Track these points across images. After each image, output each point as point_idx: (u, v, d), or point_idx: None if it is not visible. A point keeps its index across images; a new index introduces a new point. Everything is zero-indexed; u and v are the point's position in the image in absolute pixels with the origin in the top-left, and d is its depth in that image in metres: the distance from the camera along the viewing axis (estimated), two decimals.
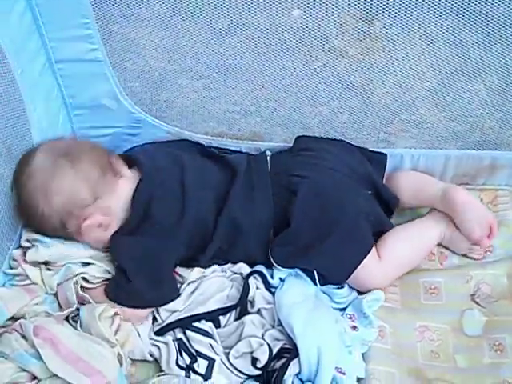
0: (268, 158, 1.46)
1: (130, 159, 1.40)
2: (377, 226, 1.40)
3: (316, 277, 1.35)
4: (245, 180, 1.39)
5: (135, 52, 1.38)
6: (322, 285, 1.36)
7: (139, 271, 1.30)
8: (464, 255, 1.45)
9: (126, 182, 1.35)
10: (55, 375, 1.13)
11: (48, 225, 1.30)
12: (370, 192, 1.42)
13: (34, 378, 1.15)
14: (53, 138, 1.36)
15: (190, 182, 1.36)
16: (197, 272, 1.36)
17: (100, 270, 1.33)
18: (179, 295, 1.34)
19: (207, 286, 1.36)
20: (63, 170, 1.28)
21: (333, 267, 1.35)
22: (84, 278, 1.31)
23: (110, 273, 1.33)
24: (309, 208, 1.35)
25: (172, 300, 1.33)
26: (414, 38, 1.28)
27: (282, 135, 1.51)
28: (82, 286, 1.30)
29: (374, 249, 1.38)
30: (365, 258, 1.35)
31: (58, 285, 1.30)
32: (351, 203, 1.36)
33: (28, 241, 1.33)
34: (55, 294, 1.31)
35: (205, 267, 1.38)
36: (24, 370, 1.14)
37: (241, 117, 1.49)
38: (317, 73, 1.38)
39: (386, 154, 1.50)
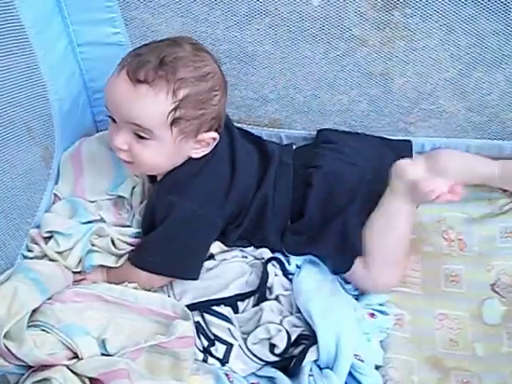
0: (292, 150, 1.50)
1: None
2: None
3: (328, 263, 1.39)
4: (275, 169, 1.42)
5: (154, 38, 1.39)
6: (335, 273, 1.39)
7: (180, 239, 1.32)
8: None
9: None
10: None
11: (197, 110, 1.25)
12: None
13: (72, 358, 1.16)
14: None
15: (239, 157, 1.38)
16: (217, 246, 1.40)
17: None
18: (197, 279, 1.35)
19: (227, 270, 1.38)
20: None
21: (339, 253, 1.36)
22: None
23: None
24: (321, 197, 1.38)
25: (190, 279, 1.35)
26: (433, 27, 1.31)
27: (301, 123, 1.54)
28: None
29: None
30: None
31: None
32: (360, 196, 1.38)
33: (48, 232, 1.35)
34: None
35: (229, 246, 1.41)
36: (64, 345, 1.16)
37: (260, 104, 1.51)
38: (336, 61, 1.40)
39: (410, 141, 1.52)
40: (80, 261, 1.34)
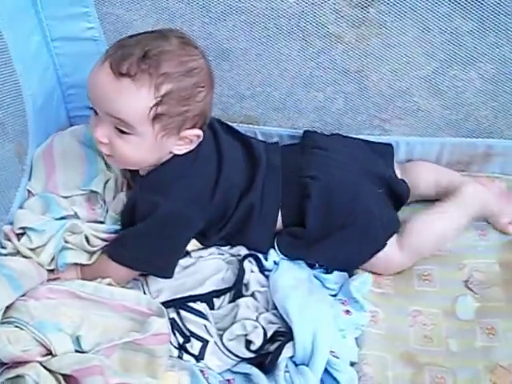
0: (279, 151, 1.50)
1: None
2: (387, 227, 1.43)
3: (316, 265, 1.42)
4: (264, 173, 1.42)
5: (129, 34, 1.39)
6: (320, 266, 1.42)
7: (158, 236, 1.32)
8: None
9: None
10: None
11: (180, 107, 1.24)
12: (381, 190, 1.45)
13: (45, 354, 1.16)
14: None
15: (226, 157, 1.38)
16: (192, 243, 1.40)
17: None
18: (171, 277, 1.36)
19: (203, 267, 1.38)
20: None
21: (335, 264, 1.42)
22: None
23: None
24: (321, 210, 1.39)
25: (164, 277, 1.35)
26: (408, 25, 1.32)
27: (277, 120, 1.55)
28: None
29: (394, 237, 1.42)
30: (371, 258, 1.40)
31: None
32: (363, 204, 1.40)
33: (21, 228, 1.35)
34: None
35: (207, 246, 1.42)
36: (37, 342, 1.15)
37: (236, 101, 1.52)
38: (312, 58, 1.41)
39: (391, 145, 1.54)
40: (53, 258, 1.34)
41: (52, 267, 1.34)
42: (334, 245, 1.39)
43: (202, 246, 1.42)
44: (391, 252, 1.41)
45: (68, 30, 1.39)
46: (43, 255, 1.32)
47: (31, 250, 1.33)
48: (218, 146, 1.38)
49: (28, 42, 1.36)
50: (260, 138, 1.57)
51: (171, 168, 1.32)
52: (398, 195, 1.48)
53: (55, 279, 1.34)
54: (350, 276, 1.43)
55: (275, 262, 1.41)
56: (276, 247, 1.42)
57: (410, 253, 1.42)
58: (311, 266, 1.43)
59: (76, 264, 1.36)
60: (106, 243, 1.37)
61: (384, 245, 1.40)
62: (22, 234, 1.35)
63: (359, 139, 1.54)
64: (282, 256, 1.41)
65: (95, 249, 1.36)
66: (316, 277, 1.42)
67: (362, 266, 1.43)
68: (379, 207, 1.42)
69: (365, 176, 1.45)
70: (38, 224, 1.34)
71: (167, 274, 1.35)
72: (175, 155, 1.31)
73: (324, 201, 1.39)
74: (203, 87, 1.26)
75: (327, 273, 1.43)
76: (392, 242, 1.42)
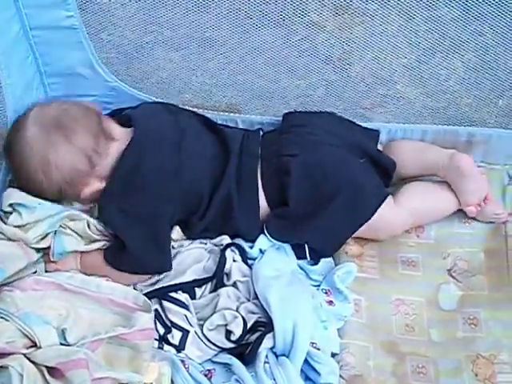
0: (260, 137, 1.51)
1: (127, 118, 1.43)
2: (377, 194, 1.44)
3: (307, 251, 1.42)
4: (237, 160, 1.43)
5: (110, 23, 1.41)
6: (311, 258, 1.43)
7: (138, 238, 1.34)
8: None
9: (119, 143, 1.37)
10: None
11: (47, 193, 1.34)
12: (363, 160, 1.45)
13: (30, 346, 1.16)
14: (40, 101, 1.40)
15: (187, 146, 1.40)
16: (177, 232, 1.42)
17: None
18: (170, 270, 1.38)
19: (184, 256, 1.40)
20: (59, 145, 1.32)
21: (325, 240, 1.42)
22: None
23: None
24: (304, 186, 1.40)
25: (167, 271, 1.37)
26: (392, 13, 1.32)
27: (259, 108, 1.55)
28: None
29: (390, 198, 1.44)
30: (359, 227, 1.41)
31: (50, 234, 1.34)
32: (347, 174, 1.41)
33: (10, 205, 1.33)
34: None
35: (194, 238, 1.44)
36: (22, 333, 1.16)
37: (218, 89, 1.52)
38: (295, 46, 1.42)
39: (378, 130, 1.55)
40: (44, 237, 1.33)
41: (41, 246, 1.33)
42: (322, 220, 1.40)
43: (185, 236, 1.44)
44: (389, 212, 1.42)
45: (47, 19, 1.37)
46: (31, 232, 1.31)
47: (19, 227, 1.32)
48: (181, 136, 1.41)
49: (7, 31, 1.34)
50: (241, 126, 1.58)
51: (120, 174, 1.37)
52: (383, 167, 1.49)
53: (55, 270, 1.35)
54: (335, 264, 1.44)
55: (261, 251, 1.42)
56: (266, 233, 1.42)
57: (406, 210, 1.45)
58: (299, 257, 1.43)
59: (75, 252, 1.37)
60: (104, 236, 1.39)
61: (373, 213, 1.41)
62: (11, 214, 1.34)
63: (346, 119, 1.55)
64: (273, 241, 1.42)
65: (96, 237, 1.37)
66: (301, 268, 1.43)
67: (366, 235, 1.45)
68: (364, 176, 1.43)
69: (346, 148, 1.46)
70: (29, 200, 1.34)
71: (166, 268, 1.38)
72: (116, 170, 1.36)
73: (305, 176, 1.40)
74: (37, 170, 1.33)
75: (314, 264, 1.44)
76: (388, 202, 1.43)
